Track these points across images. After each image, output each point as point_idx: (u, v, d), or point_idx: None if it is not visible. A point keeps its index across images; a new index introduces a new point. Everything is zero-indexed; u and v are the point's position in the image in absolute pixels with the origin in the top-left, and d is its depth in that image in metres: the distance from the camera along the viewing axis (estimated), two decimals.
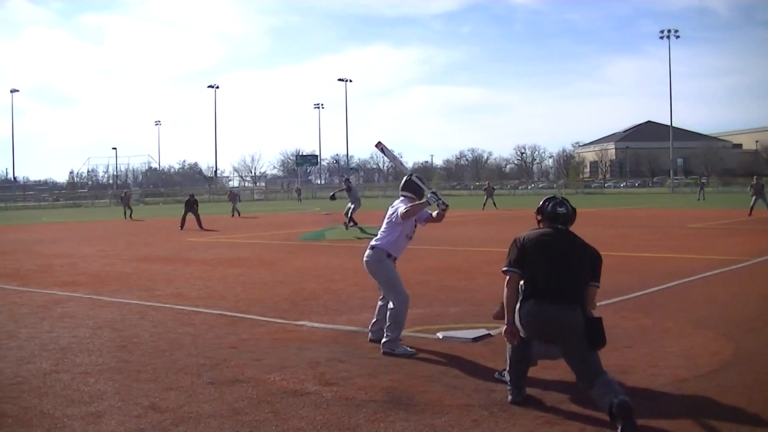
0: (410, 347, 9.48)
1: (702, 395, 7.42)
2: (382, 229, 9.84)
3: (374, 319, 9.97)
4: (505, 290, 7.33)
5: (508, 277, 7.36)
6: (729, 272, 16.95)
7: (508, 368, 7.51)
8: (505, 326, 7.30)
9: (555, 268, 7.09)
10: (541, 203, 7.60)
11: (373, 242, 9.83)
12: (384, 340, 9.44)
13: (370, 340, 9.82)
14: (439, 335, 10.20)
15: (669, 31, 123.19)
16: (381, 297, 9.93)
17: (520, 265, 7.29)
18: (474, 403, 6.94)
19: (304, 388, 7.88)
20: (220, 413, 7.07)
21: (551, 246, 7.23)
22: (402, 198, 9.86)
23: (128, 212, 53.01)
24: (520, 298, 7.23)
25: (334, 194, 37.24)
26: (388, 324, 9.47)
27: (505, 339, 7.37)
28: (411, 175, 9.96)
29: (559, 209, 7.46)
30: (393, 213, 9.74)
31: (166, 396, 7.63)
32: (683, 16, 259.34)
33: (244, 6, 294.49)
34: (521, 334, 7.23)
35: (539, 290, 7.07)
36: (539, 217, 7.57)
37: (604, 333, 6.95)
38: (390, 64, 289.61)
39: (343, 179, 35.39)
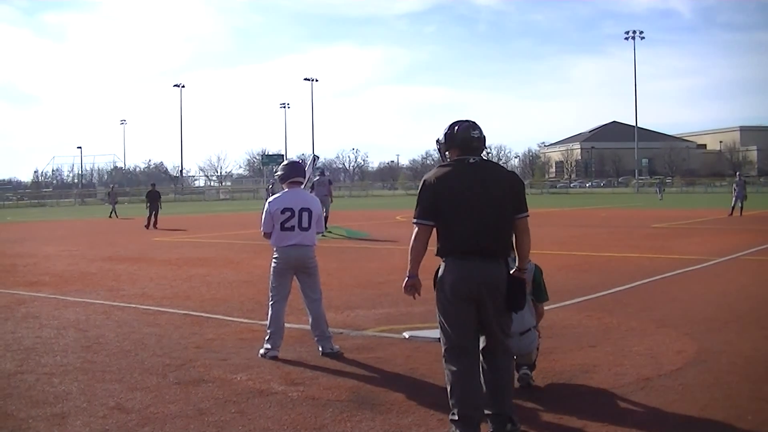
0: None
1: (666, 394, 7.49)
2: (313, 225, 9.52)
3: (315, 332, 9.56)
4: (412, 242, 6.38)
5: (417, 229, 6.37)
6: (692, 272, 17.09)
7: (448, 388, 6.37)
8: (406, 279, 6.45)
9: (476, 219, 6.18)
10: (447, 129, 6.46)
11: (309, 241, 9.48)
12: (326, 340, 9.45)
13: (324, 353, 9.36)
14: (405, 335, 10.21)
15: (634, 32, 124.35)
16: (275, 301, 9.55)
17: (433, 215, 6.29)
18: (440, 403, 6.92)
19: (270, 387, 7.89)
20: (185, 413, 7.06)
21: (468, 189, 6.23)
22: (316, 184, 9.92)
23: (114, 210, 51.69)
24: (442, 258, 6.35)
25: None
26: (325, 324, 9.50)
27: (404, 291, 6.49)
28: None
29: (473, 132, 6.39)
30: (320, 214, 9.74)
31: (131, 396, 7.61)
32: (646, 18, 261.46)
33: (209, 5, 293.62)
34: (444, 311, 6.31)
35: (461, 247, 6.21)
36: (446, 147, 6.48)
37: (525, 296, 6.64)
38: (355, 64, 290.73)
39: (319, 172, 33.96)
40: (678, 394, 7.48)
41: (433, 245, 6.38)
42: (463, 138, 6.37)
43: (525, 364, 7.78)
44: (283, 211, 9.38)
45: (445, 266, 6.30)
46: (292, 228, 9.37)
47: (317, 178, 31.01)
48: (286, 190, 9.64)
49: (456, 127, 6.43)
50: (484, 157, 6.53)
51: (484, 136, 6.47)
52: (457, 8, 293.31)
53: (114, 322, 11.67)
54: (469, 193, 6.24)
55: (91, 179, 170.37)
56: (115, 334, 10.73)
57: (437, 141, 6.56)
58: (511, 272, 6.40)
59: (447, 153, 6.50)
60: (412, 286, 6.45)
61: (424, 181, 6.40)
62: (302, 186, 9.81)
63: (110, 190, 58.95)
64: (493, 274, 6.24)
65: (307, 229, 9.43)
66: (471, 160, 6.34)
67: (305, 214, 9.42)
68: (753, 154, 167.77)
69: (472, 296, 6.22)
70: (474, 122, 6.47)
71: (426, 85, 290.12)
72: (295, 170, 9.79)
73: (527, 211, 6.43)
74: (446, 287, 6.26)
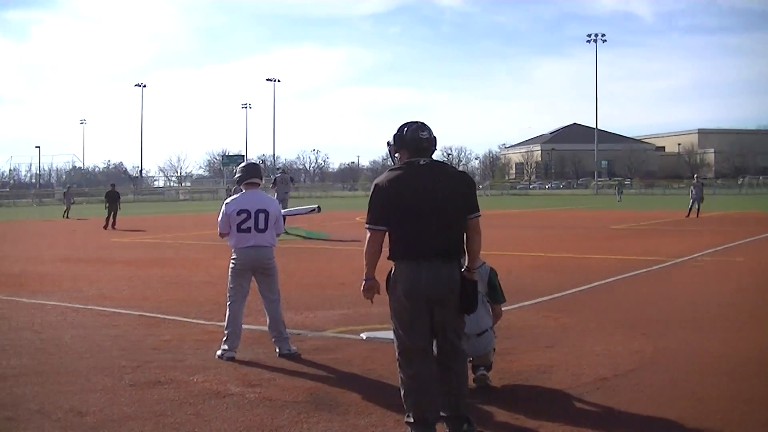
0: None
1: (623, 394, 7.54)
2: (270, 226, 9.48)
3: (273, 333, 9.53)
4: (366, 247, 6.33)
5: (369, 235, 6.35)
6: (650, 272, 17.23)
7: (403, 391, 6.38)
8: (364, 282, 6.38)
9: (429, 221, 6.14)
10: (397, 130, 6.41)
11: (267, 242, 9.46)
12: (284, 342, 9.43)
13: (282, 354, 9.32)
14: (363, 336, 10.21)
15: (596, 35, 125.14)
16: (233, 301, 9.53)
17: (385, 220, 6.26)
18: (397, 404, 6.85)
19: (226, 389, 7.84)
20: (142, 415, 7.01)
21: (419, 192, 6.18)
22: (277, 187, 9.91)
23: (68, 210, 51.28)
24: (395, 261, 6.30)
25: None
26: (282, 326, 9.48)
27: (363, 294, 6.44)
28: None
29: (422, 133, 6.32)
30: (279, 214, 9.71)
31: (87, 399, 7.54)
32: (609, 21, 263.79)
33: (172, 5, 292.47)
34: (400, 313, 6.28)
35: (414, 250, 6.18)
36: (396, 149, 6.44)
37: (477, 297, 6.54)
38: (318, 64, 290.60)
39: (280, 171, 34.73)
40: (634, 394, 7.54)
41: (385, 246, 6.36)
42: (412, 139, 6.33)
43: (482, 365, 7.80)
44: (239, 213, 9.37)
45: (398, 269, 6.28)
46: (248, 230, 9.35)
47: (278, 175, 31.94)
48: (244, 191, 9.62)
49: (405, 129, 6.38)
50: (436, 158, 6.51)
51: (435, 137, 6.41)
52: (421, 9, 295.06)
53: (70, 323, 11.55)
54: (420, 196, 6.19)
55: (50, 179, 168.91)
56: (71, 335, 10.62)
57: (388, 143, 6.52)
58: (462, 271, 6.36)
59: (397, 155, 6.46)
60: (371, 288, 6.41)
61: (376, 185, 6.35)
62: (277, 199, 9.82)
63: (66, 190, 58.40)
64: (447, 277, 6.22)
65: (263, 231, 9.40)
66: (421, 162, 6.30)
67: (261, 216, 9.38)
68: (710, 157, 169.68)
69: (426, 299, 6.20)
70: (423, 123, 6.42)
71: (389, 85, 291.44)
72: (252, 172, 9.75)
73: (479, 211, 6.43)
74: (399, 290, 6.23)
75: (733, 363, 8.79)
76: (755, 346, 9.69)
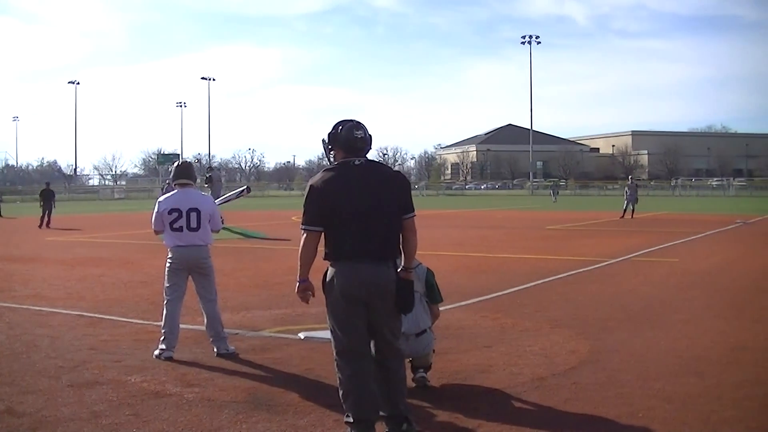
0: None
1: (560, 393, 7.63)
2: (203, 225, 9.43)
3: (210, 332, 9.50)
4: (301, 248, 6.35)
5: (305, 236, 6.35)
6: (585, 272, 17.42)
7: (341, 392, 6.42)
8: (298, 284, 6.42)
9: (364, 222, 6.17)
10: (332, 129, 6.42)
11: (201, 240, 9.43)
12: (221, 341, 9.41)
13: (219, 354, 9.31)
14: (301, 335, 10.20)
15: (531, 36, 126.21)
16: (170, 300, 9.47)
17: (320, 221, 6.26)
18: (336, 403, 6.87)
19: (165, 389, 7.81)
20: (79, 416, 6.94)
21: (354, 192, 6.21)
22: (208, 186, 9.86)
23: None
24: (330, 261, 6.33)
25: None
26: (220, 325, 9.46)
27: (298, 297, 6.49)
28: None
29: (356, 132, 6.34)
30: (213, 212, 9.67)
31: (23, 400, 7.45)
32: (542, 23, 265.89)
33: (106, 1, 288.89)
34: (335, 316, 6.33)
35: (350, 251, 6.20)
36: (330, 147, 6.45)
37: (413, 296, 6.57)
38: (252, 63, 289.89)
39: (212, 172, 35.08)
40: (571, 393, 7.63)
41: (321, 247, 6.38)
42: (347, 138, 6.33)
43: (421, 366, 7.84)
44: (170, 212, 9.36)
45: (334, 270, 6.29)
46: (181, 228, 9.34)
47: (212, 173, 32.63)
48: (176, 190, 9.59)
49: (340, 127, 6.39)
50: (371, 158, 6.53)
51: (370, 136, 6.44)
52: (355, 9, 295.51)
53: (5, 323, 11.40)
54: (355, 197, 6.22)
55: None
56: (6, 336, 10.48)
57: (323, 141, 6.53)
58: (398, 271, 6.39)
59: (332, 153, 6.46)
60: (305, 290, 6.43)
61: (311, 186, 6.37)
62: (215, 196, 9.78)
63: None
64: (383, 277, 6.26)
65: (196, 230, 9.37)
66: (356, 162, 6.33)
67: (193, 215, 9.36)
68: (644, 158, 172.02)
69: (362, 299, 6.23)
70: (358, 122, 6.43)
71: (324, 85, 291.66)
72: (184, 171, 9.72)
73: (414, 210, 6.46)
74: (336, 291, 6.24)
75: (668, 363, 8.92)
76: (690, 345, 9.83)
